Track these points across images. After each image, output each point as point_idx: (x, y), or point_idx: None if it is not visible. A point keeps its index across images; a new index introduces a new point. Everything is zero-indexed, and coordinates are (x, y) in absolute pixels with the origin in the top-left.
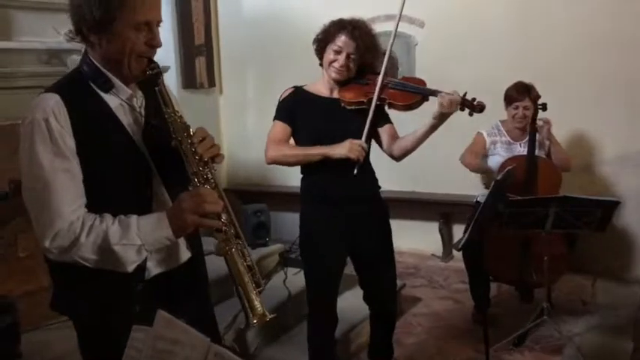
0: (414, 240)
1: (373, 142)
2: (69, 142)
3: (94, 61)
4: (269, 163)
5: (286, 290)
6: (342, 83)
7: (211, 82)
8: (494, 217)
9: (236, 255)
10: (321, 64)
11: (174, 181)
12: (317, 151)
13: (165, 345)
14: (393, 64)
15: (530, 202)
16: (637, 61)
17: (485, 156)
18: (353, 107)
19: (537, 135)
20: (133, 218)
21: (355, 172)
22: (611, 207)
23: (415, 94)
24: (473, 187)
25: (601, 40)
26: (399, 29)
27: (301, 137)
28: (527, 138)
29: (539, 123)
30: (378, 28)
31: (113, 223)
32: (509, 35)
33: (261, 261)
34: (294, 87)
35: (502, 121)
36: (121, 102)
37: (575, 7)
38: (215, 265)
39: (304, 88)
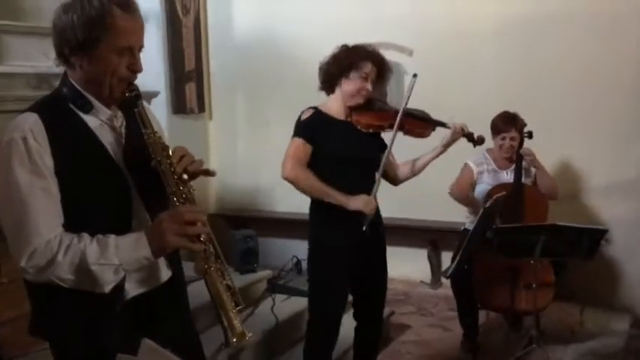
0: (402, 267)
1: None
2: (47, 161)
3: (74, 83)
4: (285, 179)
5: (274, 317)
6: (354, 108)
7: (201, 108)
8: (483, 245)
9: (215, 274)
10: (327, 89)
11: (154, 201)
12: (334, 197)
13: None
14: (382, 91)
15: (519, 230)
16: (621, 91)
17: (474, 186)
18: (370, 130)
19: (524, 162)
20: (112, 238)
21: (364, 228)
22: (598, 235)
23: (429, 123)
24: (461, 214)
25: (586, 70)
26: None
27: (321, 158)
28: (513, 166)
29: (525, 152)
30: None
31: (91, 243)
32: (496, 64)
33: (249, 287)
34: (313, 108)
35: (488, 150)
36: (102, 122)
37: (561, 36)
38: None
39: (321, 109)
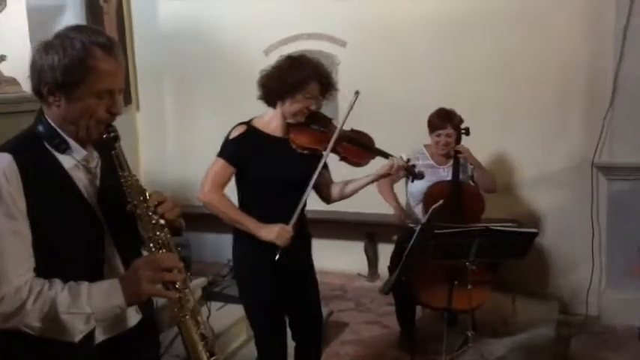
0: (339, 260)
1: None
2: (19, 203)
3: (50, 122)
4: (200, 201)
5: (210, 329)
6: (293, 124)
7: (127, 100)
8: (420, 251)
9: (190, 323)
10: (267, 102)
11: (127, 246)
12: (247, 225)
13: None
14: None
15: (455, 235)
16: (548, 85)
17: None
18: (305, 152)
19: (461, 159)
20: (84, 285)
21: (277, 257)
22: (529, 237)
23: (369, 152)
24: None
25: (516, 65)
26: (322, 49)
27: (248, 177)
28: (451, 162)
29: (460, 149)
30: (299, 46)
31: (62, 290)
32: (427, 57)
33: None
34: (245, 125)
35: (426, 145)
36: (76, 163)
37: (491, 31)
38: None
39: (256, 125)
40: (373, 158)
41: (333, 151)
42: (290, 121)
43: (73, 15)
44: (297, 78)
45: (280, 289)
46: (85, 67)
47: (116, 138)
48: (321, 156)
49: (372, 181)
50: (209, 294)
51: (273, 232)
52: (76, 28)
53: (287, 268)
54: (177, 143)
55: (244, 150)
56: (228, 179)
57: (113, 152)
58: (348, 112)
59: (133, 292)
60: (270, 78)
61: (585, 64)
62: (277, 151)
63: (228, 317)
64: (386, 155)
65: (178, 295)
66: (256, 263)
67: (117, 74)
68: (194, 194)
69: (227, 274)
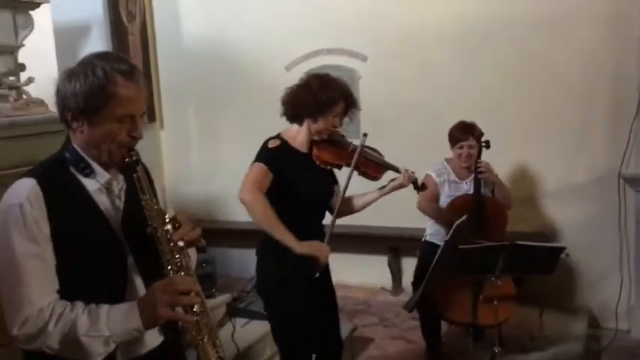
0: (363, 274)
1: None
2: (43, 228)
3: (76, 147)
4: (241, 200)
5: (235, 346)
6: (316, 141)
7: (152, 117)
8: (445, 267)
9: (208, 346)
10: (294, 120)
11: (149, 269)
12: (285, 236)
13: None
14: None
15: (480, 250)
16: (570, 97)
17: (439, 196)
18: (328, 167)
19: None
20: (104, 308)
21: (317, 274)
22: (557, 252)
23: (383, 167)
24: (421, 220)
25: (537, 76)
26: (342, 63)
27: (279, 189)
28: (472, 176)
29: (481, 165)
30: (319, 61)
31: (83, 312)
32: (449, 71)
33: None
34: (279, 139)
35: (447, 159)
36: (100, 186)
37: (513, 42)
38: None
39: (287, 140)
40: (385, 172)
41: (355, 168)
42: (315, 138)
43: (98, 35)
44: (330, 97)
45: (311, 305)
46: (106, 93)
47: (138, 161)
48: (332, 172)
49: (385, 194)
50: (234, 310)
51: (314, 247)
52: (99, 56)
53: (317, 285)
54: (201, 160)
55: (282, 161)
56: (267, 185)
57: (135, 175)
58: (360, 146)
59: (149, 316)
60: (301, 96)
61: (609, 71)
62: (306, 166)
63: (252, 333)
64: (396, 169)
65: (196, 319)
66: (288, 278)
67: (138, 99)
68: (218, 211)
69: (251, 290)
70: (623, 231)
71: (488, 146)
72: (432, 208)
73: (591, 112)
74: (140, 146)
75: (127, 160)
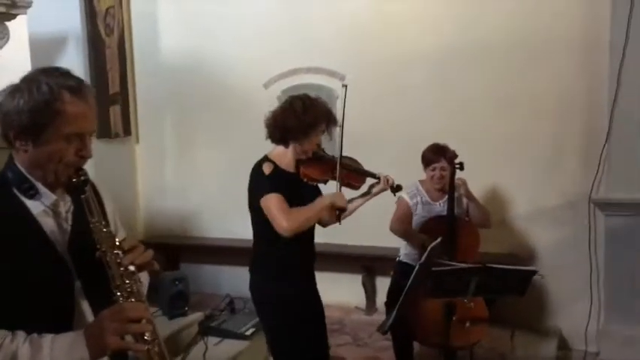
0: (337, 293)
1: None
2: None
3: (19, 167)
4: (289, 234)
5: None
6: (301, 160)
7: (127, 131)
8: (418, 289)
9: None
10: (279, 142)
11: (98, 295)
12: (322, 204)
13: None
14: None
15: (453, 272)
16: (542, 120)
17: (411, 218)
18: (314, 183)
19: (455, 194)
20: (47, 338)
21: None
22: (529, 274)
23: (363, 176)
24: (395, 240)
25: (511, 100)
26: (321, 82)
27: None
28: (445, 197)
29: (458, 182)
30: (298, 80)
31: (24, 343)
32: (425, 93)
33: (179, 333)
34: (270, 162)
35: (421, 181)
36: (45, 208)
37: (487, 66)
38: None
39: (275, 162)
40: (364, 182)
41: (340, 179)
42: (300, 157)
43: (75, 48)
44: (314, 118)
45: (306, 321)
46: (52, 111)
47: (86, 182)
48: (317, 186)
49: (368, 200)
50: (206, 328)
51: (339, 196)
52: (45, 71)
53: (312, 300)
54: (176, 176)
55: (281, 185)
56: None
57: (83, 197)
58: (340, 145)
59: (97, 345)
60: (286, 119)
61: (582, 99)
62: (297, 186)
63: (225, 352)
64: (375, 175)
65: (147, 347)
66: (285, 292)
67: (86, 117)
68: (193, 227)
69: (225, 307)
70: (593, 254)
71: (461, 168)
72: (403, 229)
73: (564, 138)
74: (115, 160)
75: (74, 180)
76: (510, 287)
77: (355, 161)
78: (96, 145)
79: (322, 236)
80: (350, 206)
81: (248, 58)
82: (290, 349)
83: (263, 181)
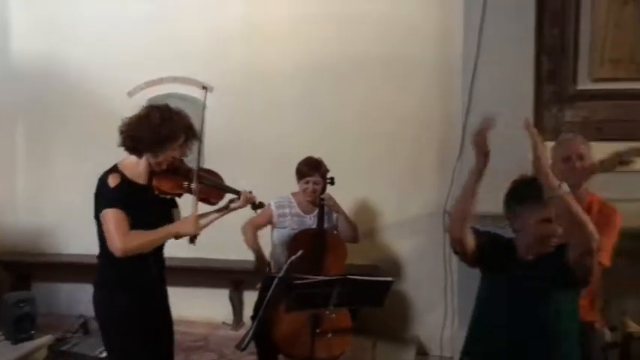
0: (204, 308)
1: None
2: None
3: None
4: (123, 255)
5: None
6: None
7: None
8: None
9: None
10: (133, 152)
11: None
12: (167, 232)
13: None
14: None
15: (314, 284)
16: (406, 137)
17: (271, 227)
18: (167, 197)
19: (326, 208)
20: None
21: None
22: (386, 285)
23: (223, 191)
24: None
25: (379, 117)
26: (187, 92)
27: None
28: (316, 211)
29: (325, 197)
30: (165, 89)
31: None
32: (296, 108)
33: (25, 359)
34: (118, 173)
35: (293, 194)
36: None
37: (357, 83)
38: None
39: (125, 173)
40: (223, 198)
41: (195, 193)
42: (155, 169)
43: None
44: (171, 131)
45: (147, 340)
46: None
47: None
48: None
49: (222, 215)
50: (57, 353)
51: (192, 225)
52: None
53: (156, 318)
54: (29, 188)
55: (126, 198)
56: (128, 223)
57: None
58: (198, 159)
59: None
60: (140, 129)
61: (438, 116)
62: (146, 198)
63: None
64: (236, 191)
65: None
66: (126, 310)
67: None
68: (48, 241)
69: (77, 329)
70: (448, 265)
71: (332, 183)
72: (252, 235)
73: (423, 152)
74: None
75: None
76: (369, 298)
77: (216, 175)
78: None
79: (188, 251)
80: (203, 221)
81: (111, 65)
82: None
83: (105, 193)
